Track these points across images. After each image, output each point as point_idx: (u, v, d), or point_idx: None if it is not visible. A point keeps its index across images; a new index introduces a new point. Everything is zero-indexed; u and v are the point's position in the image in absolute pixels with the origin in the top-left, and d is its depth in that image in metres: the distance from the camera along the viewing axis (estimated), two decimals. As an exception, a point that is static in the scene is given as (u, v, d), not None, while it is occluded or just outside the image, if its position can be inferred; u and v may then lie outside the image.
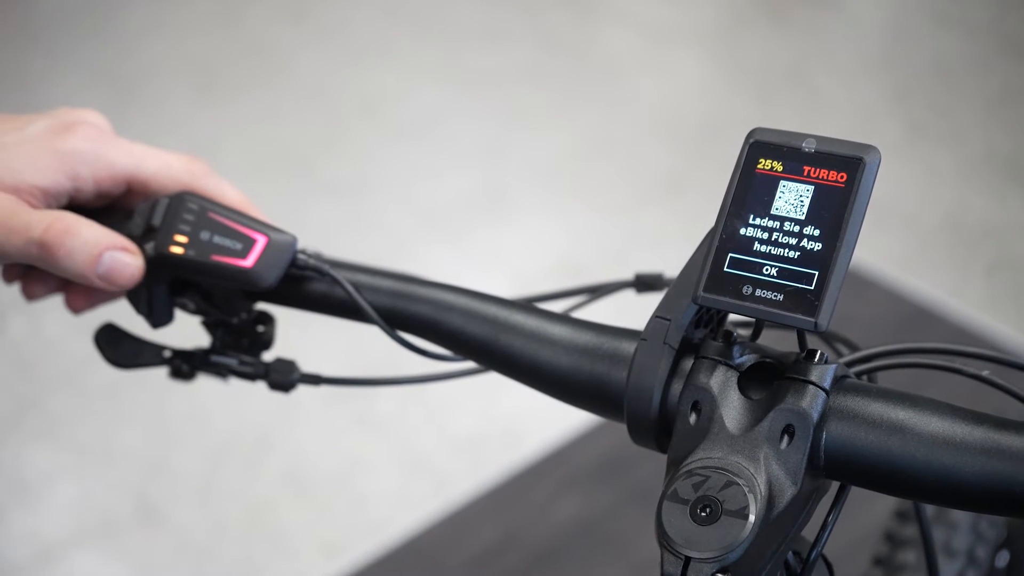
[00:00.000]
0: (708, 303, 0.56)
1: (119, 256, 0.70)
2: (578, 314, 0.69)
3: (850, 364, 0.62)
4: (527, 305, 0.67)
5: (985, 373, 0.59)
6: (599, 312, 0.71)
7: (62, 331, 2.35)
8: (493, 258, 2.60)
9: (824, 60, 3.32)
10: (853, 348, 0.66)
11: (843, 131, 3.20)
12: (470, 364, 0.71)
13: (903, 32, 3.44)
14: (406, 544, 1.69)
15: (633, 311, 0.78)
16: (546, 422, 1.82)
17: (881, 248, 2.55)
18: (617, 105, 3.13)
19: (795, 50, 3.35)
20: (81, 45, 3.36)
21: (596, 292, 0.77)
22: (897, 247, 2.61)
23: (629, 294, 0.78)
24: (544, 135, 3.00)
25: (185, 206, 0.71)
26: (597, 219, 2.72)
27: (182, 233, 0.70)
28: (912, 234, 2.67)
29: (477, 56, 3.32)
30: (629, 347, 0.61)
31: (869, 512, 1.33)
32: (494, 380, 0.70)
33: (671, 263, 0.76)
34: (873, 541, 1.21)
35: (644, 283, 0.76)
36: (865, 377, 0.62)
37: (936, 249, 2.64)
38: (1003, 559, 1.15)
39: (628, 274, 0.77)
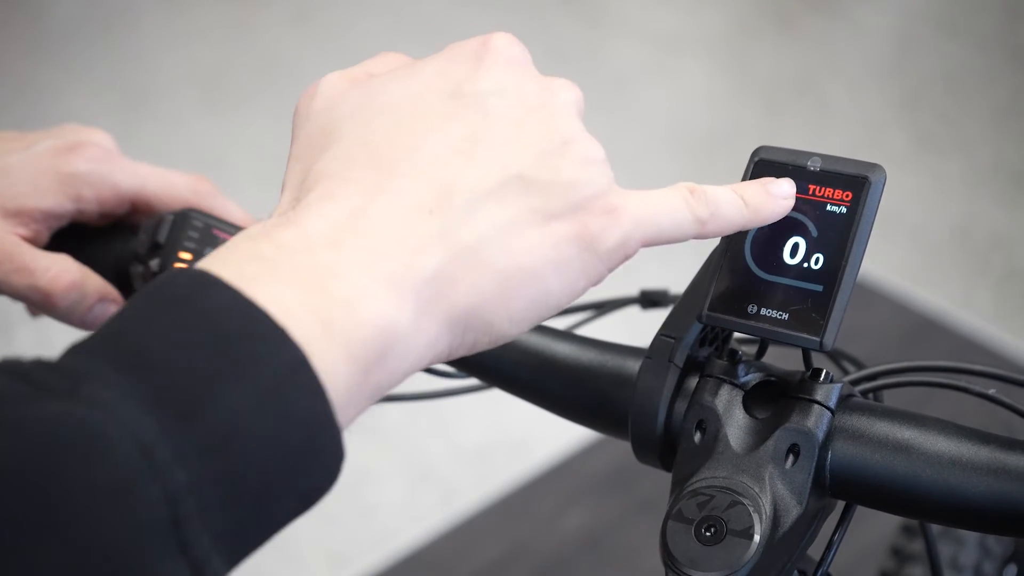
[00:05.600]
0: (713, 322, 0.56)
1: (108, 308, 0.71)
2: (582, 331, 0.68)
3: (855, 382, 0.61)
4: (531, 322, 0.66)
5: (992, 391, 0.58)
6: (603, 327, 0.70)
7: (69, 343, 2.35)
8: (500, 268, 2.60)
9: (832, 70, 3.31)
10: (859, 366, 0.66)
11: (851, 141, 3.18)
12: (474, 380, 0.71)
13: (911, 42, 3.43)
14: (413, 555, 1.69)
15: (638, 325, 0.77)
16: (554, 433, 1.82)
17: (889, 259, 2.55)
18: (624, 115, 3.13)
19: (803, 60, 3.34)
20: (92, 57, 3.37)
21: (601, 309, 0.76)
22: (905, 258, 2.61)
23: (634, 309, 0.78)
24: (552, 145, 3.00)
25: (190, 223, 0.71)
26: (605, 229, 2.71)
27: (187, 250, 0.70)
28: (920, 245, 2.67)
29: (485, 66, 3.31)
30: (634, 365, 0.61)
31: (875, 526, 1.32)
32: (501, 392, 0.70)
33: (677, 274, 0.76)
34: (879, 556, 1.20)
35: (649, 299, 0.76)
36: (871, 395, 0.61)
37: (944, 260, 2.64)
38: (1011, 573, 1.15)
39: (634, 286, 0.77)
